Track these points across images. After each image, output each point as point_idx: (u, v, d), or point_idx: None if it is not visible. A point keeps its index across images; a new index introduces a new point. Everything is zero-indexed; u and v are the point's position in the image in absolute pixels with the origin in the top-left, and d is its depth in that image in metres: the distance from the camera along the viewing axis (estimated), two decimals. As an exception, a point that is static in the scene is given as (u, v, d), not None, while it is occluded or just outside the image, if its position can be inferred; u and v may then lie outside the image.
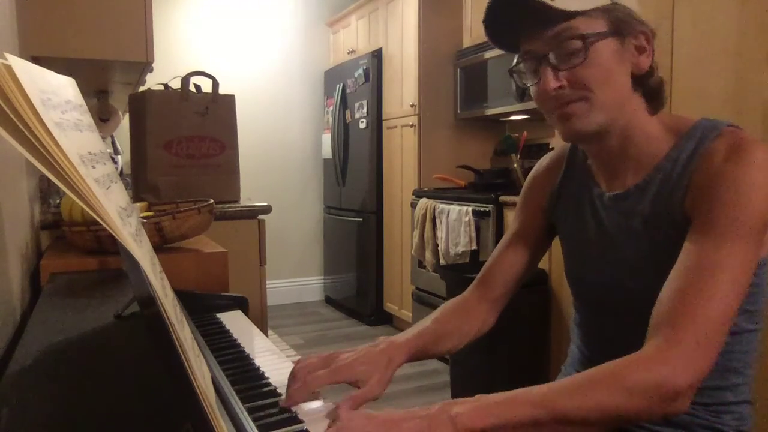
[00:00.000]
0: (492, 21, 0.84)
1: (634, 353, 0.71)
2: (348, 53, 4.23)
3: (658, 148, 0.85)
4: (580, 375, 0.71)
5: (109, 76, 2.15)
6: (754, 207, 0.73)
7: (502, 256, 1.05)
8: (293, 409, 0.71)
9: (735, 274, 0.71)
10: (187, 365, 0.44)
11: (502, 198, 2.70)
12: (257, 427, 0.64)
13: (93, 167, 0.44)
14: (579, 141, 0.92)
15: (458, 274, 2.50)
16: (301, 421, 0.67)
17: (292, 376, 0.76)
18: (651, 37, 0.83)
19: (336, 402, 0.73)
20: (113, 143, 3.39)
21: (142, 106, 1.86)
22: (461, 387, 2.57)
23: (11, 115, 0.36)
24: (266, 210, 1.93)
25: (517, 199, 1.15)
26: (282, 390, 0.77)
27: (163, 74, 2.46)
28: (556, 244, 1.07)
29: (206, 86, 2.00)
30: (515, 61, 0.87)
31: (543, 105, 0.85)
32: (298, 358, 0.85)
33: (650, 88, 0.85)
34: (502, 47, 0.88)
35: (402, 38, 3.60)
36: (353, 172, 4.08)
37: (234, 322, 1.09)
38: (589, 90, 0.80)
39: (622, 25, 0.80)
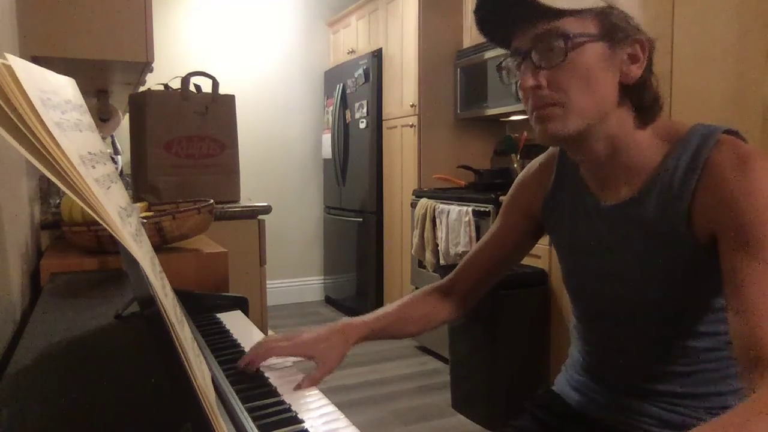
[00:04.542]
0: (483, 16, 0.83)
1: (746, 402, 0.63)
2: (348, 53, 4.23)
3: (651, 157, 0.83)
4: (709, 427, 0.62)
5: (109, 76, 2.15)
6: None
7: (479, 253, 1.08)
8: (293, 408, 0.71)
9: None
10: (187, 365, 0.44)
11: (502, 198, 2.69)
12: (257, 427, 0.64)
13: (93, 167, 0.44)
14: (556, 144, 0.91)
15: (458, 274, 2.50)
16: (301, 421, 0.67)
17: (258, 344, 0.85)
18: (647, 46, 0.80)
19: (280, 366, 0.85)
20: (113, 143, 3.39)
21: (142, 106, 1.86)
22: (461, 387, 2.57)
23: (11, 115, 0.36)
24: (266, 210, 1.93)
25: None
26: (281, 389, 0.78)
27: (163, 74, 2.46)
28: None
29: (206, 86, 2.00)
30: (504, 57, 0.86)
31: (524, 103, 0.84)
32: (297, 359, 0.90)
33: (642, 102, 0.82)
34: (496, 43, 0.87)
35: (402, 38, 3.59)
36: (353, 172, 4.08)
37: (234, 322, 1.09)
38: (565, 93, 0.78)
39: (615, 31, 0.77)
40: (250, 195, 2.19)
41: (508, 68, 0.86)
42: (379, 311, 1.02)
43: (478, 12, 0.83)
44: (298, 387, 0.80)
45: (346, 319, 0.97)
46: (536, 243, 1.09)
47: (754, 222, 0.71)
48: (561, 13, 0.76)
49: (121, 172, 3.22)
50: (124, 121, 2.91)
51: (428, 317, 1.06)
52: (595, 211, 0.91)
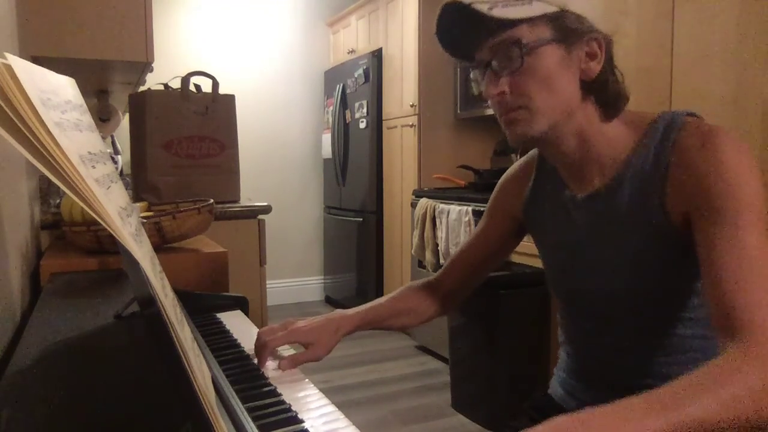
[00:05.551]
0: (445, 37, 0.87)
1: (716, 360, 0.63)
2: (348, 53, 4.23)
3: (621, 147, 0.86)
4: (679, 384, 0.61)
5: (109, 76, 2.15)
6: (749, 189, 0.74)
7: (465, 252, 1.12)
8: (293, 408, 0.71)
9: (764, 252, 0.71)
10: (187, 365, 0.44)
11: (502, 198, 2.69)
12: (257, 427, 0.64)
13: (93, 167, 0.44)
14: (527, 145, 0.93)
15: (458, 274, 2.50)
16: (301, 421, 0.67)
17: (257, 340, 0.89)
18: (604, 43, 0.83)
19: (281, 357, 0.89)
20: (113, 143, 3.39)
21: (142, 106, 1.86)
22: (461, 387, 2.57)
23: (11, 115, 0.37)
24: (266, 210, 1.93)
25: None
26: (281, 389, 0.78)
27: (163, 74, 2.46)
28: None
29: (206, 86, 2.00)
30: (471, 69, 0.90)
31: (494, 110, 0.87)
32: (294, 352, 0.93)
33: (605, 96, 0.85)
34: (463, 59, 0.90)
35: (402, 38, 3.59)
36: (353, 172, 4.08)
37: (234, 322, 1.09)
38: (528, 97, 0.82)
39: (569, 33, 0.81)
40: (250, 195, 2.20)
41: (476, 79, 0.90)
42: (371, 304, 1.07)
43: (439, 34, 0.87)
44: (280, 368, 0.86)
45: (339, 311, 1.02)
46: (519, 242, 1.12)
47: (723, 192, 0.74)
48: (514, 23, 0.80)
49: (121, 172, 3.22)
50: (124, 121, 2.91)
51: (417, 312, 1.10)
52: (571, 203, 0.93)
